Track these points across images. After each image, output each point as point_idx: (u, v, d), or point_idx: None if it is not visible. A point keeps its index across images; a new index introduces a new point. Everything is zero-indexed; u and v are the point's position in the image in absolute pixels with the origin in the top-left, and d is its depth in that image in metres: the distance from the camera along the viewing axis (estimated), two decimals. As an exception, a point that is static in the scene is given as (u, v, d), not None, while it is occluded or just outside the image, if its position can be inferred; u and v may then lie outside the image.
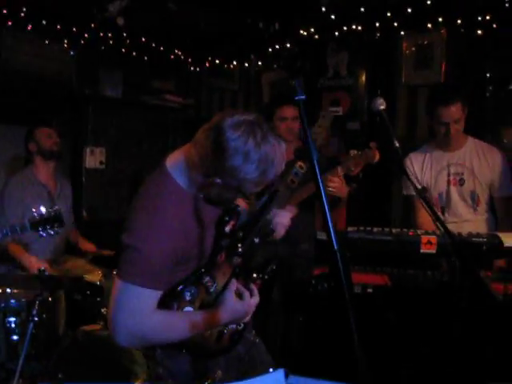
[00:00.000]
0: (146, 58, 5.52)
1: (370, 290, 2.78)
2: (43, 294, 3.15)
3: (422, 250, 2.60)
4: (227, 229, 2.04)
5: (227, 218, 2.03)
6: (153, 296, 1.85)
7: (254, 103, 5.38)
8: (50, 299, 3.36)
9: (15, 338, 3.13)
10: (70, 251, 4.49)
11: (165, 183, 1.91)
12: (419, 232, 2.68)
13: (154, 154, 5.61)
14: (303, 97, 1.26)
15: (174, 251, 1.85)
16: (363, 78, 4.45)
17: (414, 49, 4.23)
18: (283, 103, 3.61)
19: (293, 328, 3.02)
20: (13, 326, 3.15)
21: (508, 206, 3.26)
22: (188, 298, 1.96)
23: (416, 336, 2.67)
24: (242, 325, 2.11)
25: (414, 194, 3.28)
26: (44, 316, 3.24)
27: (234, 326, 2.08)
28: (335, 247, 1.11)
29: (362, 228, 2.77)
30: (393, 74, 4.34)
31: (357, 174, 2.83)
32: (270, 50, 4.90)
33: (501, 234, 2.62)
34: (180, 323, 1.90)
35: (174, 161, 1.95)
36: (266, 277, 2.13)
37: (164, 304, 1.92)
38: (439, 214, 3.27)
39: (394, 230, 2.74)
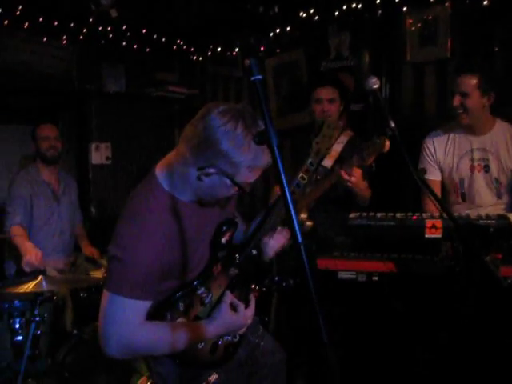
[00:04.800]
0: (147, 49, 5.43)
1: (375, 278, 2.67)
2: (44, 294, 3.14)
3: (426, 235, 2.48)
4: (223, 240, 2.00)
5: (225, 228, 2.00)
6: (141, 307, 1.80)
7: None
8: (54, 298, 3.33)
9: (20, 338, 3.14)
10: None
11: (153, 192, 1.85)
12: (424, 216, 2.56)
13: (161, 146, 5.54)
14: (260, 77, 1.15)
15: (160, 262, 1.79)
16: (366, 58, 4.29)
17: (419, 25, 4.06)
18: (318, 85, 3.51)
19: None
20: (17, 326, 3.16)
21: None
22: (182, 308, 1.91)
23: (425, 324, 2.56)
24: (238, 337, 2.05)
25: (428, 178, 3.18)
26: (49, 315, 3.23)
27: (230, 337, 2.02)
28: (299, 240, 1.01)
29: (364, 214, 2.66)
30: (397, 53, 4.17)
31: (370, 164, 2.71)
32: (271, 34, 4.78)
33: (510, 215, 2.49)
34: (171, 335, 1.83)
35: (164, 167, 1.89)
36: (263, 288, 2.07)
37: (157, 314, 1.88)
38: (458, 200, 3.16)
39: (397, 215, 2.62)
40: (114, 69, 5.39)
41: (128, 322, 1.77)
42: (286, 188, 1.03)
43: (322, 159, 2.17)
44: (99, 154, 5.26)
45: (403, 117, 4.15)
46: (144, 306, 1.80)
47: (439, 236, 2.47)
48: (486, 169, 3.11)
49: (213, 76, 5.75)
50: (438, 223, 2.47)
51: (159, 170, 1.89)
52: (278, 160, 1.05)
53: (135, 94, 5.54)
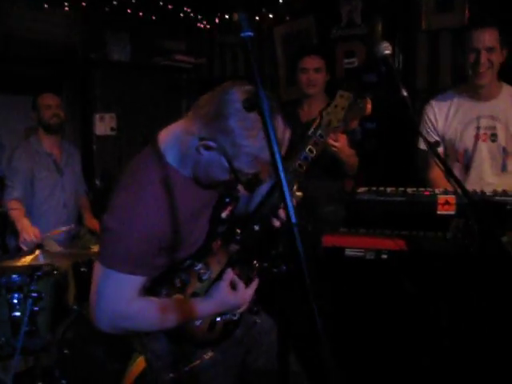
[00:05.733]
0: (153, 17, 5.27)
1: (384, 256, 2.55)
2: (42, 269, 3.07)
3: (438, 212, 2.34)
4: (224, 214, 1.87)
5: (226, 201, 1.87)
6: (134, 282, 1.69)
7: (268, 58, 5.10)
8: (55, 273, 3.25)
9: (18, 314, 3.06)
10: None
11: (154, 162, 1.71)
12: (436, 191, 2.42)
13: (168, 117, 5.35)
14: (250, 34, 1.01)
15: (156, 237, 1.67)
16: (379, 25, 4.10)
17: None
18: (305, 54, 3.41)
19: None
20: (15, 301, 3.08)
21: None
22: (178, 284, 1.80)
23: (436, 306, 2.43)
24: (238, 315, 1.93)
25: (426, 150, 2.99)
26: (49, 291, 3.16)
27: (229, 315, 1.90)
28: (293, 220, 0.88)
29: (373, 188, 2.52)
30: (412, 20, 3.98)
31: (353, 129, 2.56)
32: (281, 0, 4.60)
33: (528, 191, 2.34)
34: (164, 311, 1.73)
35: (168, 135, 1.75)
36: (265, 265, 1.94)
37: (152, 290, 1.78)
38: (462, 173, 2.99)
39: (408, 190, 2.48)
40: (119, 37, 5.22)
41: (121, 297, 1.68)
42: (279, 160, 0.90)
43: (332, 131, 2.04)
44: (103, 125, 5.14)
45: (416, 88, 3.98)
46: (138, 281, 1.70)
47: (452, 213, 2.33)
48: (493, 138, 2.89)
49: (221, 45, 5.59)
50: (451, 199, 2.33)
51: (163, 138, 1.75)
52: (270, 127, 0.91)
53: (141, 63, 5.39)
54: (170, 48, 5.50)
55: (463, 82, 2.98)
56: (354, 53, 4.23)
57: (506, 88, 2.93)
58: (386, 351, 2.53)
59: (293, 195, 1.89)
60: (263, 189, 2.01)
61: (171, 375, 1.89)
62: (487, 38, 2.76)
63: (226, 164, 1.64)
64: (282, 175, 0.89)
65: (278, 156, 0.90)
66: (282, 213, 1.92)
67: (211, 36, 5.63)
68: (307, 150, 1.89)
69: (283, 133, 1.68)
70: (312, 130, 1.94)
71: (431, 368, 2.47)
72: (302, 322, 1.06)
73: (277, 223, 1.90)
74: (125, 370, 2.89)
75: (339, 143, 2.78)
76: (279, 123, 1.65)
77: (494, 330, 2.17)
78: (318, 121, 1.94)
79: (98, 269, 1.69)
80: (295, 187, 1.90)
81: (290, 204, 0.89)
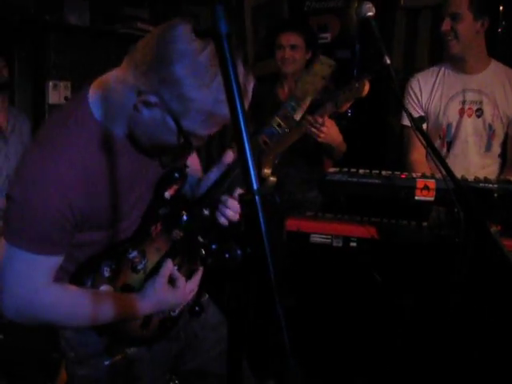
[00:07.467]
0: (116, -19, 4.93)
1: (353, 244, 2.34)
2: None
3: (416, 197, 2.12)
4: (167, 194, 1.56)
5: (170, 180, 1.56)
6: (47, 263, 1.40)
7: (236, 30, 4.82)
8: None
9: None
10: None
11: (77, 117, 1.39)
12: (414, 175, 2.20)
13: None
14: None
15: (71, 209, 1.35)
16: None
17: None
18: (280, 29, 3.19)
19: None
20: None
21: None
22: (107, 274, 1.51)
23: (406, 300, 2.24)
24: (177, 311, 1.67)
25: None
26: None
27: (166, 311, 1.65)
28: (255, 187, 0.63)
29: (344, 169, 2.29)
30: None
31: (345, 111, 2.31)
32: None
33: (513, 178, 2.14)
34: (86, 305, 1.45)
35: (99, 86, 1.43)
36: (209, 260, 1.65)
37: (75, 278, 1.50)
38: (443, 150, 2.79)
39: (384, 173, 2.26)
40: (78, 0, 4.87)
41: (30, 281, 1.39)
42: (239, 103, 0.64)
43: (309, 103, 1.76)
44: (57, 94, 4.79)
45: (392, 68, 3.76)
46: (51, 261, 1.41)
47: (431, 199, 2.11)
48: (479, 113, 2.72)
49: (186, 14, 5.26)
50: (431, 184, 2.11)
51: (93, 90, 1.43)
52: (228, 56, 0.65)
53: (100, 30, 5.03)
54: (133, 15, 5.16)
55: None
56: (327, 27, 3.98)
57: (494, 63, 2.76)
58: (351, 344, 2.35)
59: (266, 179, 1.64)
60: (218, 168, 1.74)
61: (83, 371, 1.64)
62: (453, 3, 2.59)
63: (173, 124, 1.32)
64: (244, 127, 0.63)
65: (237, 99, 0.64)
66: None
67: (176, 5, 5.30)
68: (275, 124, 1.64)
69: (245, 80, 1.33)
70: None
71: (395, 360, 2.29)
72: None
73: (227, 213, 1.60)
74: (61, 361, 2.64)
75: (326, 128, 2.56)
76: (240, 67, 1.31)
77: (463, 323, 1.98)
78: (292, 90, 1.69)
79: (3, 245, 1.39)
80: (269, 171, 1.65)
81: (250, 161, 0.64)
